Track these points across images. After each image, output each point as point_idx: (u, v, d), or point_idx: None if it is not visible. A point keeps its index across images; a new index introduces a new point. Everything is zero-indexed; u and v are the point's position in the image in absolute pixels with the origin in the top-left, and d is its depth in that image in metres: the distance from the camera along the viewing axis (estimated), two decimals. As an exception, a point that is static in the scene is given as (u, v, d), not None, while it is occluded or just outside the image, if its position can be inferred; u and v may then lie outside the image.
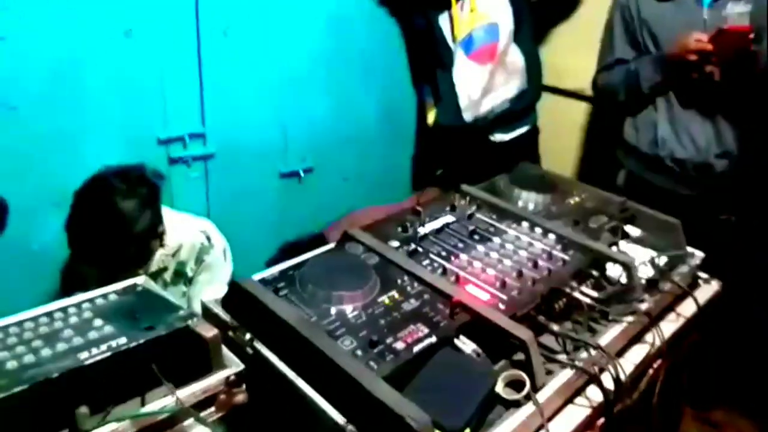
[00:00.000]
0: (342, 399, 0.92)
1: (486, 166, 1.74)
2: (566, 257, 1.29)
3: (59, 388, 0.82)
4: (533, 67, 2.45)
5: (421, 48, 2.54)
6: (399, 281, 1.18)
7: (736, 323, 1.98)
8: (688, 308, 1.34)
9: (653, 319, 1.23)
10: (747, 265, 2.00)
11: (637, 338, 1.22)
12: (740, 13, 1.89)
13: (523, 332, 1.03)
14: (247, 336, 1.05)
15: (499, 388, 0.99)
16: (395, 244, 1.31)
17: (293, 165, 2.44)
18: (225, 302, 1.14)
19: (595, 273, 1.26)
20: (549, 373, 1.05)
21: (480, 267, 1.23)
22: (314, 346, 0.97)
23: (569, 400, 1.06)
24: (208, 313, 1.13)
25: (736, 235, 2.02)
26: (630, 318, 1.20)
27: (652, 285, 1.28)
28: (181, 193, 2.15)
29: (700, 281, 1.45)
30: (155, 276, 1.77)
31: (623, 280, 1.25)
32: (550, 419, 1.00)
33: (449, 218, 1.43)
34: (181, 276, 1.82)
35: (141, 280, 1.10)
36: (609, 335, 1.16)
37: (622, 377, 1.08)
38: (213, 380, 0.93)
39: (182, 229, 1.81)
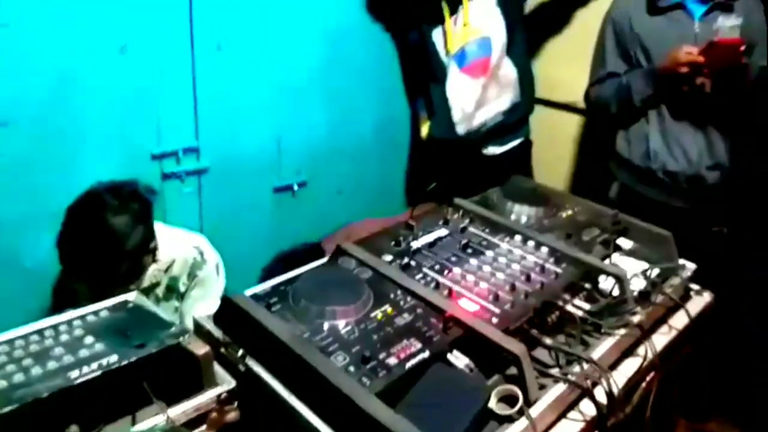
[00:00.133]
0: (335, 416, 0.92)
1: (479, 179, 1.75)
2: (559, 270, 1.29)
3: (49, 407, 0.82)
4: (526, 80, 2.46)
5: (415, 62, 2.56)
6: (392, 295, 1.18)
7: (728, 335, 1.99)
8: (680, 320, 1.34)
9: (645, 331, 1.23)
10: (739, 276, 2.00)
11: (629, 351, 1.22)
12: (731, 27, 1.92)
13: (515, 346, 1.03)
14: (240, 352, 1.04)
15: (492, 403, 0.99)
16: (388, 258, 1.31)
17: (287, 179, 2.44)
18: (217, 318, 1.14)
19: (587, 286, 1.26)
20: (542, 387, 1.05)
21: (473, 280, 1.23)
22: (307, 363, 0.97)
23: (562, 415, 1.06)
24: (200, 330, 1.13)
25: (728, 246, 2.03)
26: (622, 330, 1.20)
27: (644, 297, 1.28)
28: (174, 208, 2.15)
29: (692, 293, 1.45)
30: (147, 291, 1.76)
31: (615, 292, 1.25)
32: (543, 434, 1.00)
33: (442, 232, 1.43)
34: (173, 291, 1.82)
35: (132, 296, 1.10)
36: (601, 348, 1.15)
37: (615, 391, 1.08)
38: (204, 398, 0.93)
39: (175, 245, 1.81)
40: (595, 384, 1.08)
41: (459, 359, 1.03)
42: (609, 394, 1.07)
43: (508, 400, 1.00)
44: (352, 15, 2.45)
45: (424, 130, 2.55)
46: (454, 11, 2.36)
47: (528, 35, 2.50)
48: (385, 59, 2.63)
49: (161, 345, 0.92)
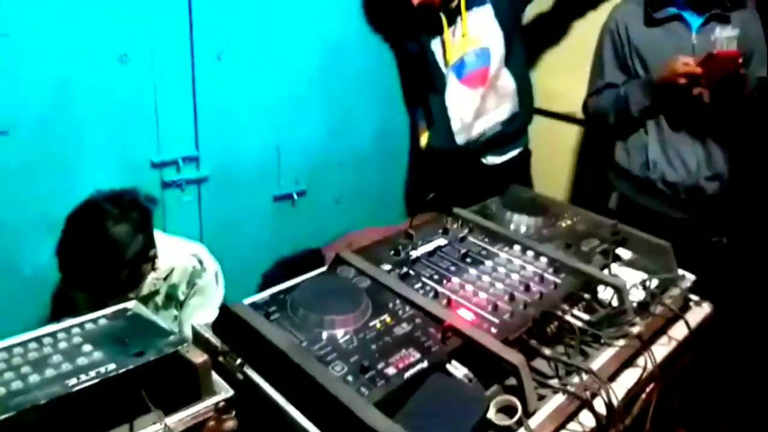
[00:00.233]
0: (333, 426, 0.92)
1: (478, 189, 1.75)
2: (558, 280, 1.29)
3: (47, 414, 0.81)
4: (524, 91, 2.47)
5: (414, 72, 2.57)
6: (391, 305, 1.18)
7: (727, 345, 1.98)
8: (679, 331, 1.34)
9: (645, 342, 1.23)
10: (738, 286, 2.00)
11: (629, 362, 1.22)
12: (728, 38, 1.93)
13: (514, 357, 1.03)
14: (238, 361, 1.04)
15: (491, 414, 0.99)
16: (387, 267, 1.31)
17: (286, 188, 2.44)
18: (216, 327, 1.14)
19: (586, 296, 1.26)
20: (541, 398, 1.05)
21: (472, 290, 1.23)
22: (305, 372, 0.96)
23: (562, 426, 1.06)
24: (198, 338, 1.12)
25: (727, 257, 2.03)
26: (622, 341, 1.20)
27: (643, 308, 1.28)
28: (174, 217, 2.15)
29: (691, 304, 1.45)
30: (146, 299, 1.76)
31: (615, 303, 1.25)
32: (542, 445, 1.00)
33: (441, 241, 1.44)
34: (172, 299, 1.82)
35: (131, 304, 1.10)
36: (601, 359, 1.15)
37: (615, 402, 1.08)
38: (202, 406, 0.92)
39: (174, 253, 1.81)
40: (594, 395, 1.08)
41: (458, 369, 1.03)
42: (608, 405, 1.07)
43: (507, 410, 0.99)
44: (351, 25, 2.46)
45: (423, 139, 2.56)
46: (452, 22, 2.38)
47: (526, 46, 2.51)
48: (384, 69, 2.64)
49: (159, 353, 0.92)
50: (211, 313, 1.17)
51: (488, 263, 1.34)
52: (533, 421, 0.99)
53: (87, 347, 0.94)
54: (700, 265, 1.49)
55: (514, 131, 2.49)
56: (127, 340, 0.96)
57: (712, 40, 1.95)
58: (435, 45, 2.42)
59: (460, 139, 2.44)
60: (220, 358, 1.05)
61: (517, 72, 2.43)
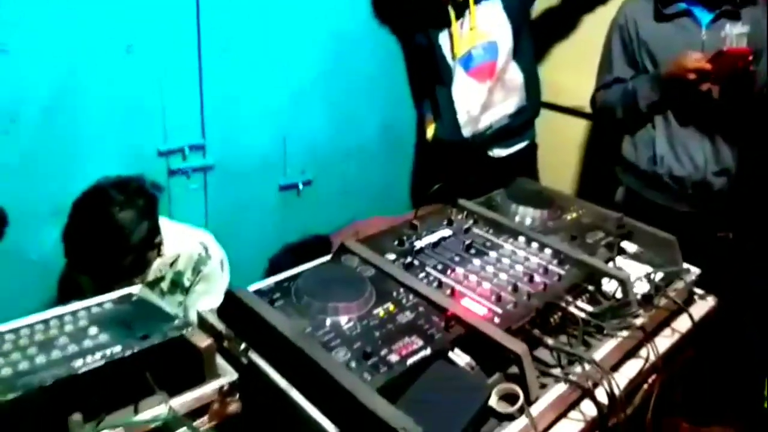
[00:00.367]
0: (335, 410, 0.92)
1: (484, 182, 1.75)
2: (562, 272, 1.29)
3: (53, 395, 0.82)
4: (532, 84, 2.47)
5: (421, 64, 2.57)
6: (394, 293, 1.18)
7: (731, 340, 1.98)
8: (683, 324, 1.34)
9: (648, 334, 1.23)
10: (743, 284, 2.00)
11: (631, 353, 1.22)
12: (738, 34, 1.92)
13: (517, 346, 1.03)
14: (242, 346, 1.05)
15: (493, 401, 0.99)
16: (391, 256, 1.31)
17: (292, 177, 2.45)
18: (221, 312, 1.15)
19: (590, 288, 1.26)
20: (543, 386, 1.05)
21: (476, 280, 1.24)
22: (308, 357, 0.97)
23: (563, 414, 1.06)
24: (203, 323, 1.13)
25: (734, 252, 2.02)
26: (625, 333, 1.20)
27: (647, 300, 1.28)
28: (180, 205, 2.16)
29: (695, 297, 1.45)
30: (152, 285, 1.77)
31: (619, 295, 1.25)
32: (543, 433, 1.00)
33: (446, 232, 1.44)
34: (177, 286, 1.83)
35: (137, 289, 1.10)
36: (604, 350, 1.15)
37: (617, 392, 1.08)
38: (207, 389, 0.93)
39: (180, 240, 1.82)
40: (596, 384, 1.08)
41: (460, 357, 1.03)
42: (610, 395, 1.07)
43: (509, 398, 1.00)
44: (358, 17, 2.46)
45: (430, 131, 2.56)
46: (460, 15, 2.37)
47: (534, 40, 2.50)
48: (391, 61, 2.64)
49: (164, 337, 0.93)
50: (216, 300, 1.17)
51: (492, 254, 1.34)
52: (535, 409, 0.99)
53: (93, 330, 0.95)
54: (705, 260, 1.48)
55: (521, 124, 2.49)
56: (133, 323, 0.97)
57: (722, 36, 1.93)
58: (443, 38, 2.42)
59: (466, 131, 2.44)
60: (225, 343, 1.06)
61: (525, 66, 2.43)
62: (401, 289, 1.19)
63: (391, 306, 1.14)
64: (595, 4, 2.53)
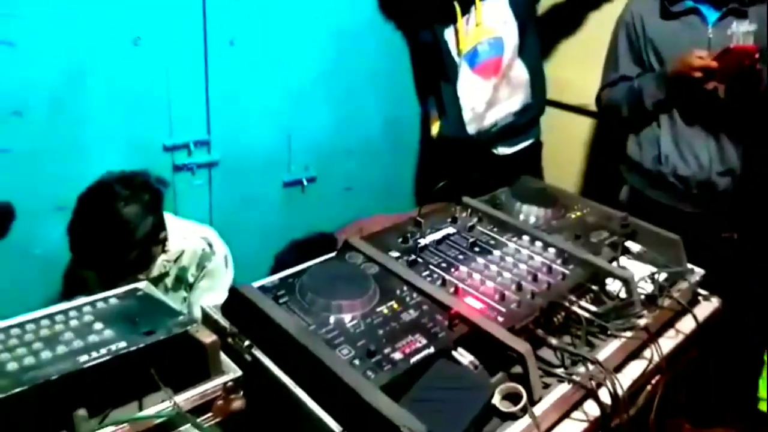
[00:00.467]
0: (339, 408, 0.92)
1: (489, 179, 1.75)
2: (566, 271, 1.29)
3: (58, 390, 0.82)
4: (537, 82, 2.46)
5: (427, 61, 2.56)
6: (398, 291, 1.18)
7: (734, 342, 1.97)
8: (687, 325, 1.34)
9: (652, 334, 1.23)
10: (746, 285, 1.99)
11: (635, 354, 1.22)
12: (745, 32, 1.91)
13: (520, 345, 1.03)
14: (246, 343, 1.05)
15: (496, 400, 0.99)
16: (395, 254, 1.31)
17: (296, 174, 2.45)
18: (225, 308, 1.15)
19: (594, 287, 1.26)
20: (546, 386, 1.05)
21: (479, 279, 1.24)
22: (312, 355, 0.97)
23: (566, 415, 1.06)
24: (207, 319, 1.14)
25: (738, 253, 2.02)
26: (628, 333, 1.20)
27: (651, 301, 1.28)
28: (184, 200, 2.16)
29: (700, 298, 1.45)
30: (156, 281, 1.78)
31: (623, 295, 1.25)
32: (546, 433, 1.00)
33: (450, 230, 1.44)
34: (182, 282, 1.83)
35: (142, 284, 1.11)
36: (607, 350, 1.15)
37: (620, 392, 1.08)
38: (211, 386, 0.93)
39: (185, 236, 1.83)
40: (599, 385, 1.08)
41: (464, 356, 1.03)
42: (613, 395, 1.07)
43: (512, 398, 1.00)
44: (363, 13, 2.46)
45: (435, 128, 2.55)
46: (466, 11, 2.36)
47: (540, 37, 2.50)
48: (395, 58, 2.64)
49: (169, 332, 0.93)
50: (220, 296, 1.18)
51: (496, 252, 1.34)
52: (538, 409, 0.99)
53: (98, 325, 0.95)
54: (710, 260, 1.48)
55: (526, 122, 2.48)
56: (138, 319, 0.97)
57: (729, 34, 1.92)
58: (448, 34, 2.41)
59: (471, 128, 2.43)
60: (229, 340, 1.06)
61: (531, 63, 2.42)
62: (405, 287, 1.19)
63: (395, 304, 1.14)
64: (602, 1, 2.52)
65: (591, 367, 1.09)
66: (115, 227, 1.59)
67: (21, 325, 0.96)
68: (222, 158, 2.22)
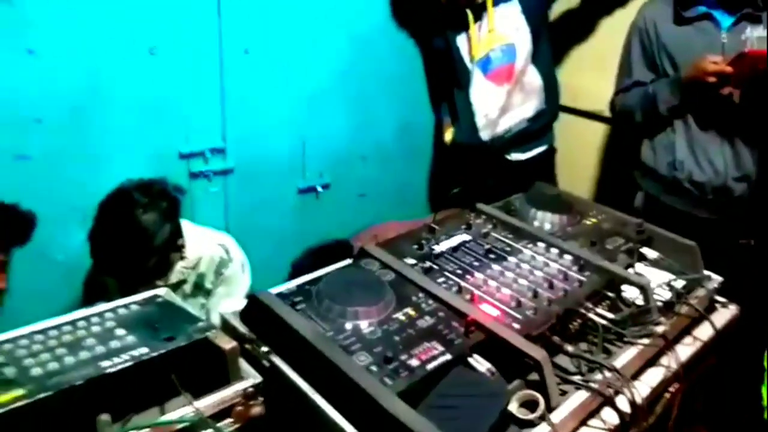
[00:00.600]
0: (357, 414, 0.93)
1: (502, 186, 1.75)
2: (582, 278, 1.29)
3: (82, 395, 0.84)
4: (551, 88, 2.46)
5: (439, 67, 2.57)
6: (414, 298, 1.19)
7: (753, 349, 1.95)
8: (704, 332, 1.33)
9: (669, 342, 1.22)
10: (764, 292, 1.97)
11: (653, 361, 1.21)
12: (759, 37, 1.90)
13: (537, 352, 1.03)
14: (264, 349, 1.06)
15: (513, 407, 0.99)
16: (411, 261, 1.32)
17: (311, 181, 2.47)
18: (243, 315, 1.16)
19: (611, 294, 1.26)
20: (563, 394, 1.05)
21: (495, 286, 1.24)
22: (329, 361, 0.98)
23: (584, 422, 1.06)
24: (226, 326, 1.15)
25: (755, 259, 2.00)
26: (646, 340, 1.19)
27: (668, 308, 1.28)
28: (201, 207, 2.18)
29: (717, 305, 1.43)
30: (175, 288, 1.79)
31: (639, 302, 1.24)
32: (563, 440, 1.00)
33: (465, 237, 1.44)
34: (200, 288, 1.85)
35: (162, 291, 1.12)
36: (624, 357, 1.15)
37: (638, 400, 1.08)
38: (230, 391, 0.94)
39: (202, 243, 1.84)
40: (617, 392, 1.08)
41: (480, 363, 1.04)
42: (632, 403, 1.07)
43: (529, 405, 1.00)
44: (377, 20, 2.47)
45: (448, 135, 2.56)
46: (478, 18, 2.37)
47: (553, 43, 2.50)
48: (409, 64, 2.65)
49: (189, 339, 0.94)
50: (238, 303, 1.19)
51: (512, 259, 1.35)
52: (555, 416, 0.99)
53: (120, 331, 0.97)
54: (727, 267, 1.47)
55: (539, 128, 2.48)
56: (158, 325, 0.99)
57: (743, 39, 1.92)
58: (461, 40, 2.42)
59: (484, 135, 2.44)
60: (247, 346, 1.07)
61: (544, 69, 2.42)
62: (421, 294, 1.20)
63: (411, 311, 1.15)
64: (615, 7, 2.51)
65: (608, 374, 1.09)
66: (133, 234, 1.61)
67: (44, 331, 0.97)
68: (237, 165, 2.25)
